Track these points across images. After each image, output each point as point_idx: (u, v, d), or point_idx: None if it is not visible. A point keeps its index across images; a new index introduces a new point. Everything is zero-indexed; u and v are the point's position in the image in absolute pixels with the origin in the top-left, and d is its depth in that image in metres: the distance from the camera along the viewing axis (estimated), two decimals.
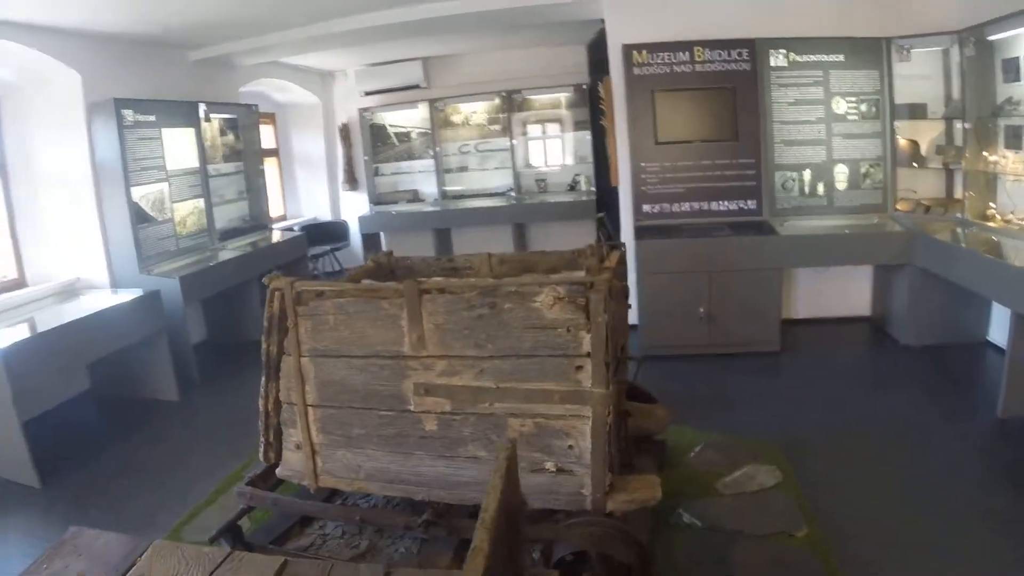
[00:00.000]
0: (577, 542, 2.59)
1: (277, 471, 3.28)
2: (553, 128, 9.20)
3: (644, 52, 5.55)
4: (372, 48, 7.81)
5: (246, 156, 7.45)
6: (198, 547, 2.36)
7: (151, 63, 6.15)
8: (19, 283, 5.46)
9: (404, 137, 9.56)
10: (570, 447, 2.67)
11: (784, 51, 5.40)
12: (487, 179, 9.35)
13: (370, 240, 9.53)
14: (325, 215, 9.78)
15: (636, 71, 5.60)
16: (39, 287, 5.43)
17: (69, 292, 5.53)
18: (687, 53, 5.48)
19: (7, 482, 4.21)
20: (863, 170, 5.58)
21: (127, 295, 5.28)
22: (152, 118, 5.73)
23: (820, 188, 5.60)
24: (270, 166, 9.32)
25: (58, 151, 5.47)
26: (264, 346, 3.09)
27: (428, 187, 9.39)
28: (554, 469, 2.72)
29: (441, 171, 9.27)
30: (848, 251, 5.39)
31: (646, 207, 5.87)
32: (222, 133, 7.08)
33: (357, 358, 2.95)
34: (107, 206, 5.55)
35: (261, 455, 3.25)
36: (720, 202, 5.77)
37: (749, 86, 5.48)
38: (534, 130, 9.20)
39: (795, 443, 4.02)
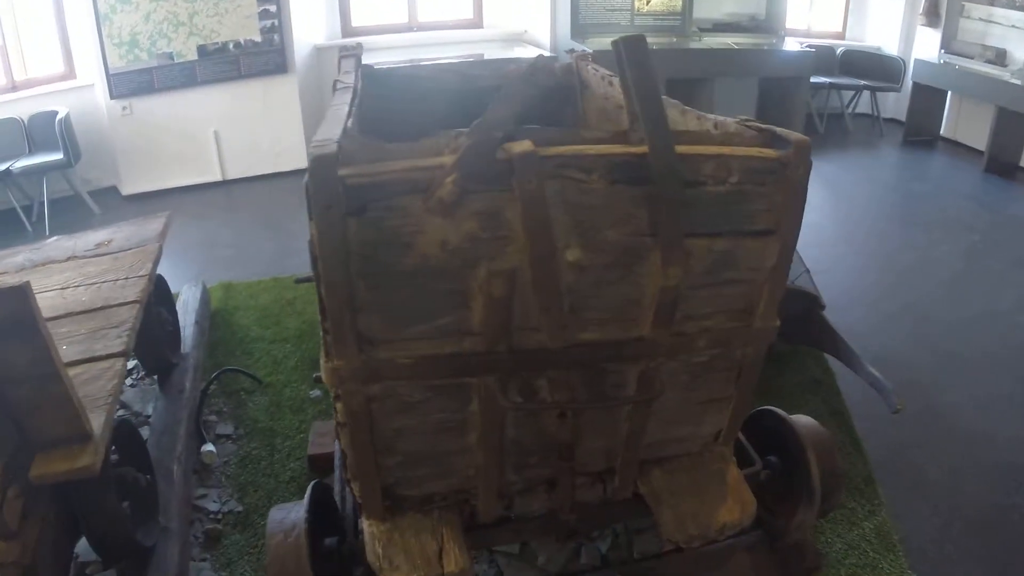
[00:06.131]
0: None
1: None
2: None
3: None
4: None
5: None
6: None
7: None
8: (475, 24, 5.65)
9: None
10: None
11: None
12: None
13: (926, 93, 6.64)
14: (890, 48, 7.12)
15: None
16: (490, 31, 5.54)
17: (512, 41, 5.50)
18: None
19: None
20: None
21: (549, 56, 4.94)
22: None
23: None
24: None
25: None
26: None
27: (1020, 51, 5.78)
28: None
29: None
30: None
31: None
32: None
33: None
34: None
35: None
36: None
37: None
38: None
39: None
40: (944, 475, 2.38)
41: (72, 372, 2.04)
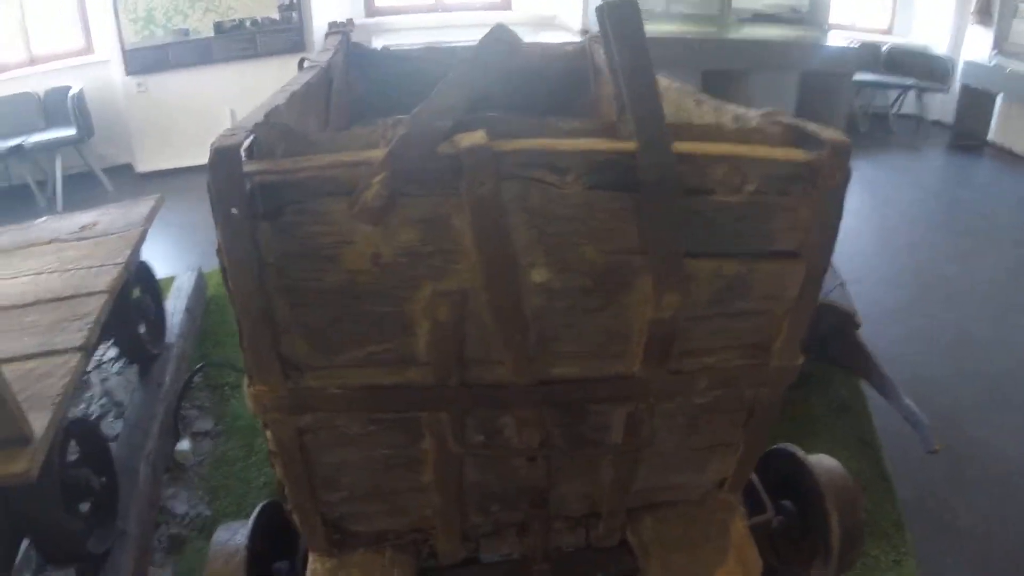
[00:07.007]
0: None
1: None
2: None
3: None
4: None
5: None
6: None
7: None
8: (504, 5, 5.38)
9: None
10: None
11: None
12: None
13: (974, 95, 6.16)
14: (938, 46, 6.63)
15: None
16: (519, 14, 5.28)
17: (542, 25, 5.20)
18: None
19: None
20: None
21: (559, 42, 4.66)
22: None
23: None
24: None
25: None
26: None
27: None
28: None
29: None
30: None
31: None
32: None
33: None
34: None
35: None
36: None
37: None
38: None
39: None
40: (977, 521, 2.09)
41: (27, 366, 1.88)
